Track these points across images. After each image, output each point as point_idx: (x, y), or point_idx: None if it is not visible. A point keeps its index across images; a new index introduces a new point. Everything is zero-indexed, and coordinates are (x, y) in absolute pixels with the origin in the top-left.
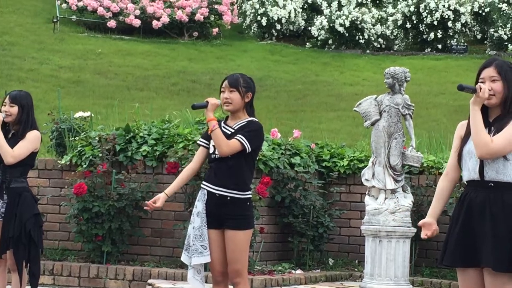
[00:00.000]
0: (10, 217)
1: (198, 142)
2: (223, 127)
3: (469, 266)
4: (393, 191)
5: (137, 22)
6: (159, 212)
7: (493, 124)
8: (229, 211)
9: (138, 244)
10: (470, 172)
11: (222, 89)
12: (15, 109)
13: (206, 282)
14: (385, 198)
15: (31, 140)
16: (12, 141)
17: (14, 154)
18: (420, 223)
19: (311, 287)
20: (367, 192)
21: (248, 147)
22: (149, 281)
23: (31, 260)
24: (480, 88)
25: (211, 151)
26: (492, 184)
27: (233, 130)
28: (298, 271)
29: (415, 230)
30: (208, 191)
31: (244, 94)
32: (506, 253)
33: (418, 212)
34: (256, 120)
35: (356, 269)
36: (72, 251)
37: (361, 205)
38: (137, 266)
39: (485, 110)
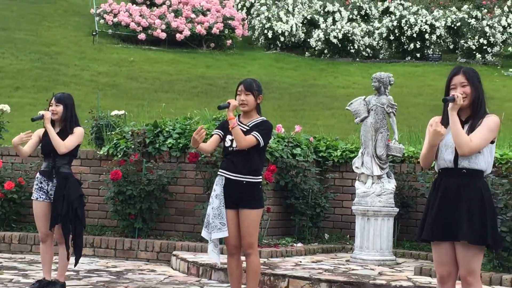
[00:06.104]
0: (59, 198)
1: (214, 132)
2: (238, 124)
3: (445, 240)
4: (379, 177)
5: (163, 35)
6: (182, 194)
7: (466, 123)
8: (244, 193)
9: (165, 222)
10: (445, 161)
11: (238, 92)
12: (60, 108)
13: (221, 253)
14: (372, 183)
15: (78, 135)
16: (60, 136)
17: (66, 145)
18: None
19: (310, 258)
20: (357, 178)
21: (262, 142)
22: (174, 252)
23: (77, 234)
24: (458, 96)
25: (227, 144)
26: (465, 171)
27: (248, 128)
28: (299, 244)
29: (397, 210)
30: (226, 177)
31: (257, 97)
32: (478, 229)
33: (400, 194)
34: (268, 120)
35: (347, 243)
36: (109, 227)
37: (352, 189)
38: (163, 240)
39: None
